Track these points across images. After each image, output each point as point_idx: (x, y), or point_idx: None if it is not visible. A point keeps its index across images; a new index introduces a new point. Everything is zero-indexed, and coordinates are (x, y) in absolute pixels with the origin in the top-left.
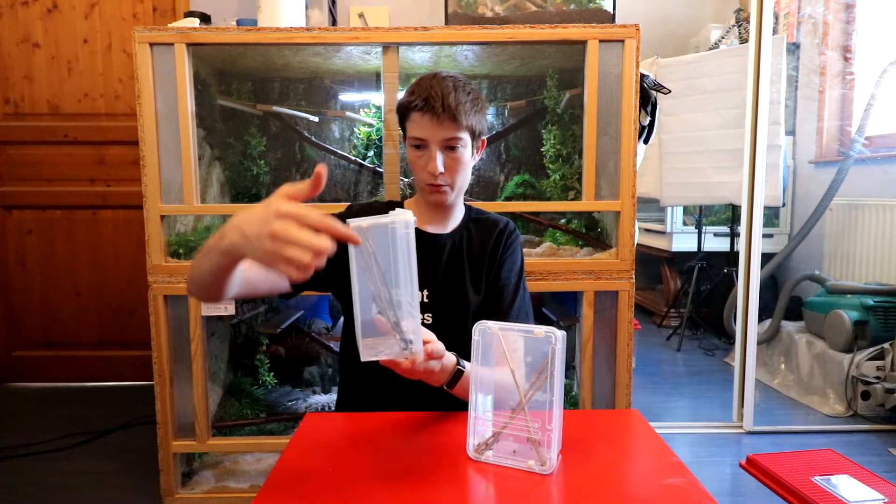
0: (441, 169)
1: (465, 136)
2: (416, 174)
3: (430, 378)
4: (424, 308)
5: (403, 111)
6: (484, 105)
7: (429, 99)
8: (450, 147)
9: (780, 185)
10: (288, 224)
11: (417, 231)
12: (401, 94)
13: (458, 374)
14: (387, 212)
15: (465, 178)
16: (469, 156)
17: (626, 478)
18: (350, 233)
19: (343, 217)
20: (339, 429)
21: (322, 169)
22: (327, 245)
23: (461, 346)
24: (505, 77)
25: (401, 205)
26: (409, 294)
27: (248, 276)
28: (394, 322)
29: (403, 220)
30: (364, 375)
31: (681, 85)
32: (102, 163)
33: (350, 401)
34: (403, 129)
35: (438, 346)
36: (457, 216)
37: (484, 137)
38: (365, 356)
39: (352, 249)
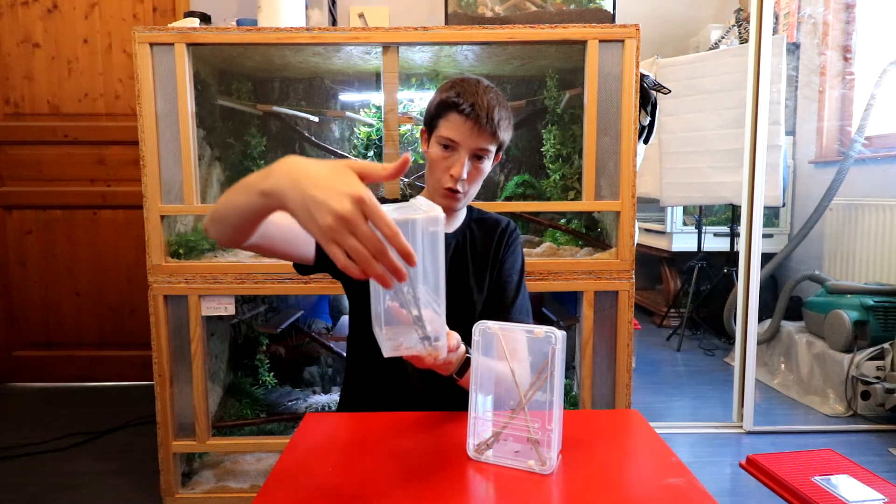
0: (465, 176)
1: (493, 150)
2: (434, 174)
3: (442, 368)
4: None
5: (444, 109)
6: (512, 126)
7: (475, 106)
8: (478, 157)
9: (780, 185)
10: (358, 214)
11: None
12: (402, 93)
13: (468, 362)
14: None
15: (477, 188)
16: (489, 167)
17: (626, 478)
18: (412, 253)
19: None
20: (339, 429)
21: (409, 156)
22: (393, 262)
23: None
24: (505, 77)
25: None
26: (434, 289)
27: (270, 230)
28: (415, 317)
29: (432, 217)
30: (370, 374)
31: (681, 85)
32: (102, 163)
33: (354, 399)
34: (431, 126)
35: (456, 337)
36: (459, 217)
37: (501, 152)
38: (387, 351)
39: None
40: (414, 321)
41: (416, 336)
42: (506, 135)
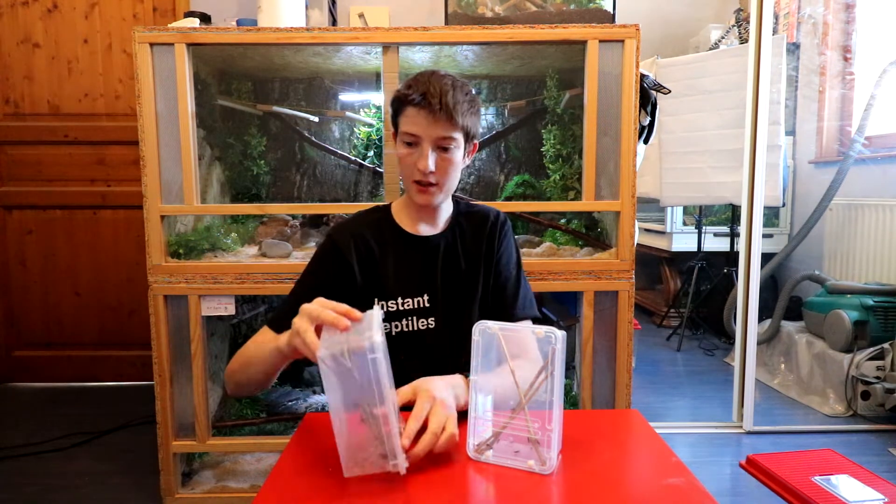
0: (432, 167)
1: (459, 137)
2: (404, 172)
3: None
4: (426, 312)
5: (398, 105)
6: (479, 107)
7: (426, 94)
8: (442, 147)
9: (780, 185)
10: (302, 319)
11: (411, 235)
12: None
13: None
14: (373, 219)
15: (454, 180)
16: (461, 157)
17: (626, 478)
18: (355, 313)
19: (332, 236)
20: None
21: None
22: (340, 321)
23: (466, 347)
24: (505, 77)
25: (388, 208)
26: (390, 408)
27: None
28: (377, 434)
29: (370, 344)
30: None
31: (681, 85)
32: (102, 163)
33: None
34: (395, 125)
35: (447, 409)
36: (446, 213)
37: (476, 141)
38: (348, 472)
39: (326, 369)
40: (375, 437)
41: (376, 453)
42: (467, 120)
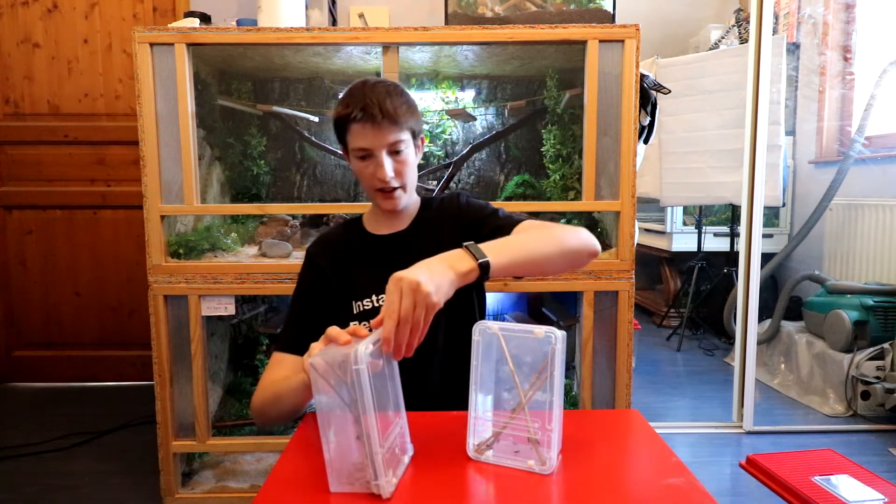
0: (391, 174)
1: (407, 137)
2: (364, 183)
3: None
4: None
5: (342, 125)
6: (416, 105)
7: (366, 108)
8: (395, 151)
9: (780, 185)
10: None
11: (378, 236)
12: None
13: (485, 270)
14: (344, 230)
15: (413, 178)
16: (413, 155)
17: (626, 478)
18: (362, 331)
19: (308, 251)
20: None
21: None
22: (341, 336)
23: (453, 335)
24: (505, 77)
25: (360, 219)
26: (373, 425)
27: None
28: (367, 452)
29: (354, 356)
30: None
31: (681, 85)
32: (102, 163)
33: None
34: (344, 143)
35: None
36: (412, 211)
37: (423, 136)
38: (335, 487)
39: (315, 375)
40: (366, 455)
41: (364, 473)
42: (409, 120)
